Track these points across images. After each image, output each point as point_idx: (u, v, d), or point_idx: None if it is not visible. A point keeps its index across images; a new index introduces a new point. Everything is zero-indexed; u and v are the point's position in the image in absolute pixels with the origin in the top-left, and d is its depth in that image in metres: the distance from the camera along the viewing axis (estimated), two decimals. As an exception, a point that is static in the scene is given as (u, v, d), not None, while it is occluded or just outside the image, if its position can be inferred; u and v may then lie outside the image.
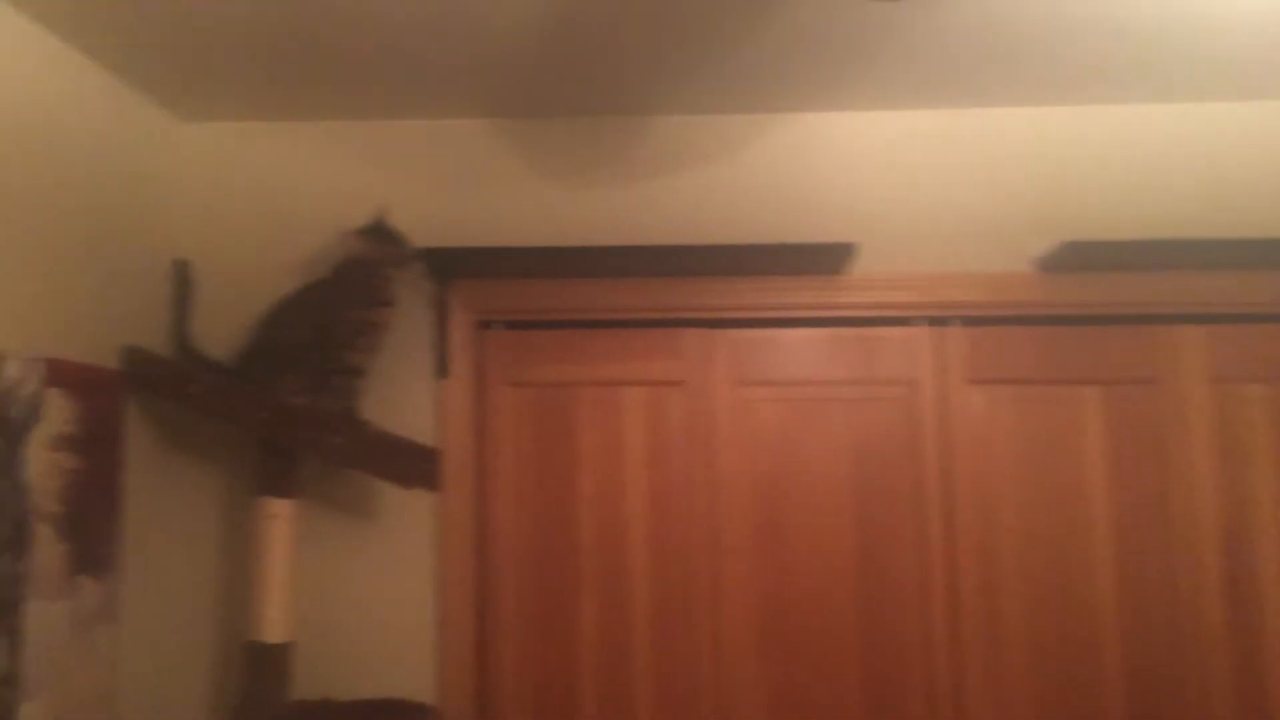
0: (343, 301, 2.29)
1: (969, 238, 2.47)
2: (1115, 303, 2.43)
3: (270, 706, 2.22)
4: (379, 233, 2.32)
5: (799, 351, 2.49)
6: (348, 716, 2.31)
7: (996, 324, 2.47)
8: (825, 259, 2.33)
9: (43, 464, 1.96)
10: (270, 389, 2.27)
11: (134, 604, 2.31)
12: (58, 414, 2.01)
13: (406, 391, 2.48)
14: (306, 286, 2.38)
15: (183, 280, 2.47)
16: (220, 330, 2.51)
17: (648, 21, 1.98)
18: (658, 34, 2.04)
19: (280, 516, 2.26)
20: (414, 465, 2.29)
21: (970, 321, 2.47)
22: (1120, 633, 2.38)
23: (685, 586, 2.45)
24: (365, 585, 2.45)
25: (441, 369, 2.47)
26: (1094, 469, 2.42)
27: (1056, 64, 2.22)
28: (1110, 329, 2.45)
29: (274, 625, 2.24)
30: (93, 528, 2.13)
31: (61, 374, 2.03)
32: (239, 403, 2.26)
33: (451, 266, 2.43)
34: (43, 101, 2.01)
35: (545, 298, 2.49)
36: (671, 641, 2.44)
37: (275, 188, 2.56)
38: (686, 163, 2.53)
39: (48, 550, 1.97)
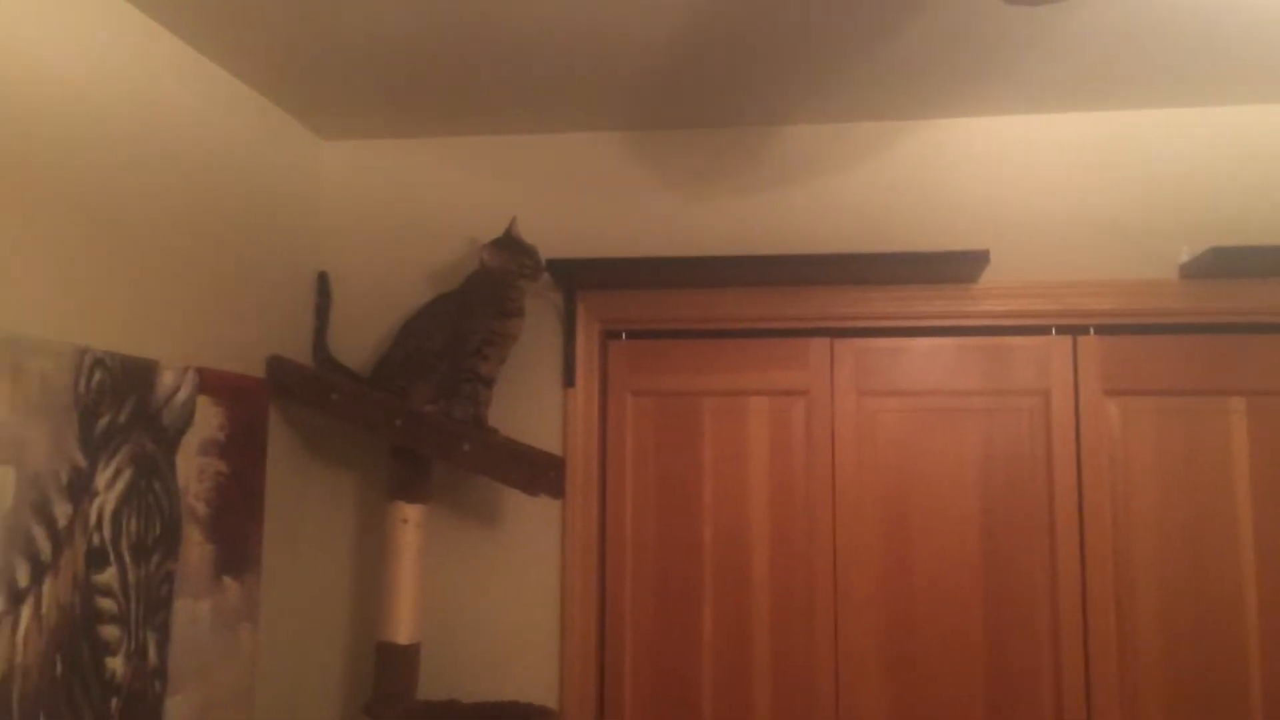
0: (474, 312, 2.34)
1: (1107, 244, 2.39)
2: (1263, 310, 2.32)
3: (399, 706, 2.27)
4: (510, 245, 2.36)
5: (926, 361, 2.44)
6: (472, 718, 2.34)
7: (1135, 333, 2.39)
8: (959, 267, 2.28)
9: (193, 468, 2.05)
10: (404, 397, 2.33)
11: (271, 604, 2.39)
12: (207, 420, 2.09)
13: (534, 400, 2.52)
14: (439, 298, 2.43)
15: (322, 292, 2.55)
16: (356, 340, 2.59)
17: (783, 31, 1.97)
18: (792, 43, 2.03)
19: (411, 521, 2.32)
20: (540, 472, 2.32)
21: (1107, 330, 2.40)
22: (1264, 656, 2.27)
23: (807, 596, 2.42)
24: (491, 589, 2.50)
25: (568, 378, 2.50)
26: (1238, 483, 2.32)
27: (1202, 64, 2.14)
28: (1257, 337, 2.35)
29: (403, 626, 2.30)
30: (236, 530, 2.20)
31: (211, 382, 2.11)
32: (375, 411, 2.32)
33: (578, 277, 2.45)
34: (195, 122, 2.09)
35: (671, 308, 2.50)
36: (792, 650, 2.42)
37: (410, 202, 2.63)
38: (817, 171, 2.50)
39: (195, 550, 2.06)
